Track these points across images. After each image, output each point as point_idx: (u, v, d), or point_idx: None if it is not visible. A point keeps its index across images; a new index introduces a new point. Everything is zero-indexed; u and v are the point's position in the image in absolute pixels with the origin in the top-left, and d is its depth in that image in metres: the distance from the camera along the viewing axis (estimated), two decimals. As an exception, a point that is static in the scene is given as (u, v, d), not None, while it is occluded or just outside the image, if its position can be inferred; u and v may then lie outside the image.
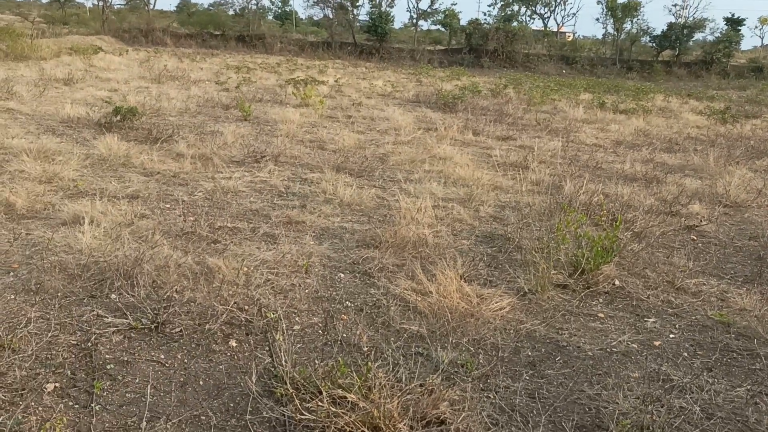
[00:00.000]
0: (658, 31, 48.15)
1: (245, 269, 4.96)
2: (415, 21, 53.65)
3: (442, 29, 55.36)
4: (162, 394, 3.40)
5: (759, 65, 44.34)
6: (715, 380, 3.85)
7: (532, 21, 53.86)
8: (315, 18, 58.30)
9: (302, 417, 3.04)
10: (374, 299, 4.74)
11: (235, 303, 4.36)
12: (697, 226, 7.09)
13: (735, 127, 15.63)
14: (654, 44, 48.42)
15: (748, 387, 3.77)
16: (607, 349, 4.20)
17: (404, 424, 3.01)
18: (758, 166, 10.64)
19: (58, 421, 2.96)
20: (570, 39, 55.15)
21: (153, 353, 3.78)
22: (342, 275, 5.15)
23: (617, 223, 5.54)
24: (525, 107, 17.79)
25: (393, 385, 3.34)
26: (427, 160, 9.67)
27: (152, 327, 4.02)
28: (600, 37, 56.24)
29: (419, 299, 4.65)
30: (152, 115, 12.12)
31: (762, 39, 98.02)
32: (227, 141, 10.09)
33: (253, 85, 20.27)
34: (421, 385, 3.38)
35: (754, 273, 5.74)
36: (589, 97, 21.34)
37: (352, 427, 2.94)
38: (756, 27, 58.60)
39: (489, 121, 14.30)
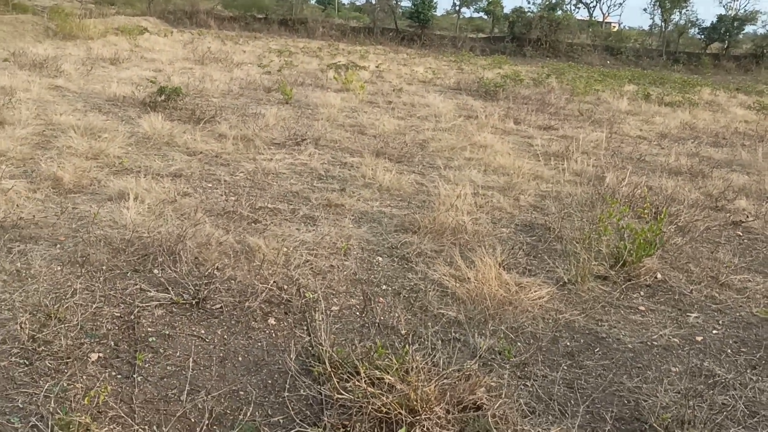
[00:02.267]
0: (707, 23, 46.99)
1: (285, 249, 5.00)
2: (457, 8, 53.24)
3: (485, 17, 54.81)
4: (202, 368, 3.46)
5: (812, 60, 42.95)
6: (759, 378, 3.76)
7: (577, 10, 52.97)
8: (357, 3, 58.26)
9: (339, 396, 3.06)
10: (412, 284, 4.73)
11: (274, 282, 4.40)
12: (743, 222, 6.92)
13: (786, 122, 15.20)
14: (702, 36, 47.24)
15: (796, 386, 3.68)
16: (648, 343, 4.13)
17: (441, 408, 3.01)
18: (811, 163, 10.34)
19: (103, 390, 3.03)
20: (615, 29, 54.09)
21: (194, 328, 3.84)
22: (380, 259, 5.16)
23: (661, 216, 5.44)
24: (567, 97, 17.52)
25: (430, 369, 3.34)
26: (468, 148, 9.61)
27: (193, 302, 4.08)
28: (646, 28, 55.08)
29: (457, 285, 4.64)
30: (195, 96, 12.26)
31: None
32: (269, 123, 10.16)
33: (295, 69, 20.35)
34: (458, 370, 3.37)
35: (803, 271, 5.59)
36: (633, 89, 20.93)
37: (388, 408, 2.95)
38: (810, 20, 56.58)
39: (530, 111, 14.13)
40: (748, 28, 47.18)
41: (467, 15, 56.16)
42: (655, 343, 4.14)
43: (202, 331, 3.82)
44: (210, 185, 6.73)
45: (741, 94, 23.42)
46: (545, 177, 8.30)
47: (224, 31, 41.74)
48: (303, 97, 13.86)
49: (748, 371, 3.83)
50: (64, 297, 4.01)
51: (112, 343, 3.60)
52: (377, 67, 23.02)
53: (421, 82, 19.79)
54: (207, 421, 2.99)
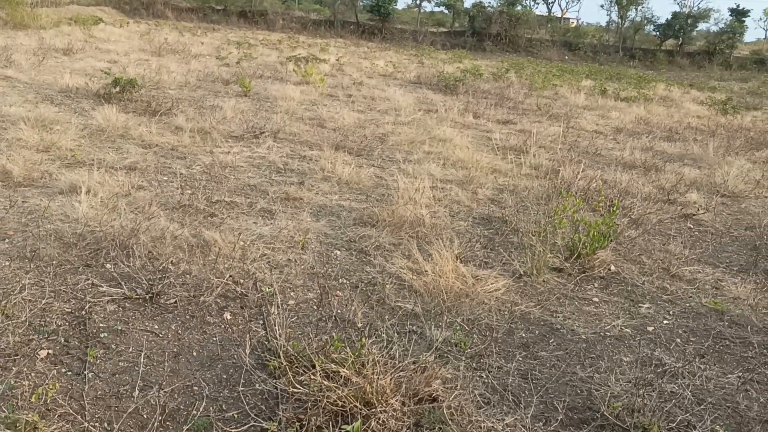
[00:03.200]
0: (662, 20, 47.92)
1: (241, 243, 4.95)
2: (418, 2, 53.33)
3: (446, 11, 55.01)
4: (155, 363, 3.40)
5: (762, 57, 44.16)
6: (707, 366, 3.86)
7: (536, 6, 53.45)
8: (318, -4, 57.81)
9: (295, 390, 3.05)
10: (370, 277, 4.73)
11: (230, 276, 4.36)
12: (694, 215, 7.09)
13: (735, 118, 15.59)
14: (657, 33, 48.19)
15: (740, 374, 3.78)
16: (601, 333, 4.21)
17: (396, 400, 3.02)
18: (757, 157, 10.63)
19: (51, 387, 2.96)
20: (573, 25, 54.84)
21: (147, 323, 3.78)
22: (338, 252, 5.15)
23: (614, 209, 5.54)
24: (526, 92, 17.71)
25: (386, 361, 3.35)
26: (427, 142, 9.64)
27: (147, 297, 4.02)
28: (604, 24, 55.94)
29: (415, 278, 4.65)
30: (151, 88, 12.05)
31: (766, 31, 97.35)
32: (226, 116, 10.04)
33: (254, 61, 20.14)
34: (414, 363, 3.38)
35: (749, 262, 5.75)
36: (590, 84, 21.24)
37: (344, 402, 2.94)
38: (761, 19, 58.34)
39: (490, 105, 14.25)
40: (702, 26, 48.27)
41: (428, 9, 56.14)
42: (608, 333, 4.22)
43: (156, 327, 3.76)
44: (165, 178, 6.62)
45: (694, 89, 23.97)
46: (503, 171, 8.37)
47: (182, 23, 41.07)
48: (262, 89, 13.73)
49: (697, 360, 3.93)
50: (11, 293, 3.90)
51: (63, 339, 3.52)
52: (338, 60, 22.92)
53: (381, 75, 19.78)
54: (159, 417, 2.95)
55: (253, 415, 3.02)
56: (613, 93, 18.58)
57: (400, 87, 16.61)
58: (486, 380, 3.50)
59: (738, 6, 46.76)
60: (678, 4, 66.53)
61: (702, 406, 3.37)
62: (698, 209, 7.28)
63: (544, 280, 4.97)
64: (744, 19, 46.17)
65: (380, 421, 2.91)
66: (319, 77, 15.26)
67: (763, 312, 4.67)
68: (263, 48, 26.49)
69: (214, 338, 3.71)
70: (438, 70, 20.85)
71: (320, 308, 4.16)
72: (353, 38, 43.05)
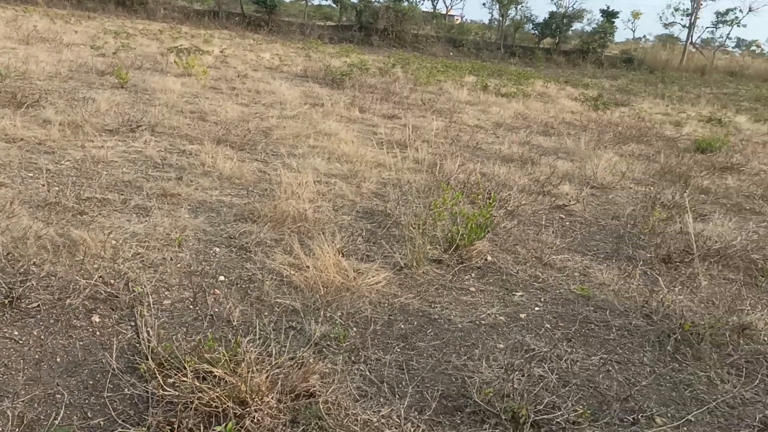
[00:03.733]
0: (540, 19, 50.01)
1: (113, 242, 4.73)
2: (305, -5, 52.91)
3: (333, 5, 54.90)
4: (13, 372, 3.19)
5: (630, 57, 47.04)
6: (573, 350, 4.07)
7: (421, 2, 54.42)
8: (202, -15, 56.11)
9: (165, 393, 2.94)
10: (249, 274, 4.65)
11: (99, 277, 4.15)
12: (566, 206, 7.45)
13: (605, 113, 16.53)
14: (536, 32, 50.25)
15: (602, 355, 4.02)
16: (476, 322, 4.34)
17: (272, 398, 2.98)
18: (624, 150, 11.32)
19: None
20: (458, 22, 56.23)
21: (5, 330, 3.54)
22: (217, 249, 5.03)
23: (491, 201, 5.73)
24: (412, 87, 18.00)
25: (263, 359, 3.31)
26: (312, 136, 9.59)
27: (6, 302, 3.76)
28: (486, 22, 57.72)
29: (295, 274, 4.62)
30: (17, 78, 11.29)
31: (633, 32, 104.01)
32: (101, 108, 9.57)
33: (133, 51, 19.30)
34: (291, 359, 3.36)
35: (614, 250, 6.11)
36: (473, 80, 21.87)
37: (217, 402, 2.88)
38: (629, 20, 62.13)
39: (376, 99, 14.36)
40: (576, 26, 50.77)
41: (315, 2, 56.04)
42: (483, 321, 4.36)
43: (16, 333, 3.53)
44: (31, 175, 6.22)
45: (569, 86, 25.19)
46: (387, 165, 8.46)
47: (54, 9, 38.70)
48: (140, 81, 13.18)
49: (564, 344, 4.13)
50: None
51: None
52: (222, 52, 22.37)
53: (267, 68, 19.49)
54: (16, 429, 2.77)
55: (120, 421, 2.89)
56: (494, 89, 19.22)
57: (286, 80, 16.43)
58: (364, 373, 3.52)
59: (608, 8, 49.50)
60: (555, 4, 69.54)
61: (567, 388, 3.55)
62: (570, 200, 7.66)
63: (424, 272, 5.07)
64: (614, 20, 48.92)
65: (255, 420, 2.87)
66: (201, 69, 14.84)
67: (624, 296, 4.98)
68: (143, 38, 25.42)
69: (81, 343, 3.52)
70: (325, 64, 20.79)
71: (196, 307, 4.05)
72: (239, 30, 42.12)
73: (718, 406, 3.62)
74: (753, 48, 68.41)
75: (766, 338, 4.39)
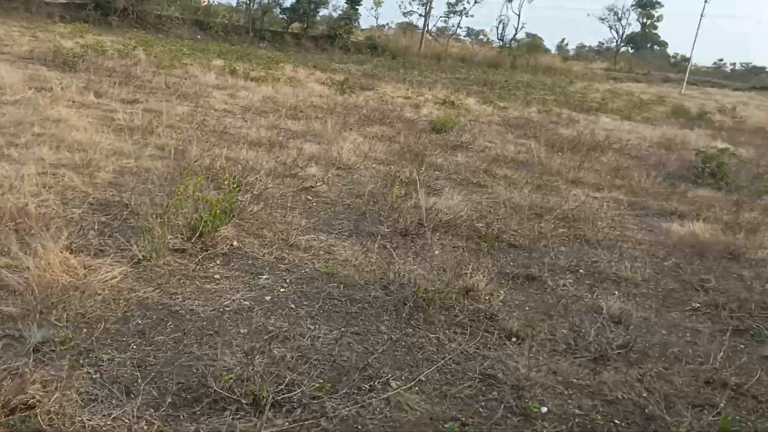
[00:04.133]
0: (288, 4, 50.33)
1: None
2: (30, -33, 47.58)
3: (64, -20, 50.08)
4: None
5: (374, 43, 49.31)
6: (316, 326, 4.18)
7: (165, -18, 51.77)
8: None
9: None
10: (-46, 280, 4.09)
11: None
12: (312, 187, 7.61)
13: (351, 97, 17.16)
14: (284, 16, 50.49)
15: (342, 329, 4.17)
16: (220, 309, 4.26)
17: (-21, 417, 2.65)
18: (367, 132, 11.83)
19: None
20: (204, 4, 54.52)
21: None
22: None
23: (235, 186, 5.66)
24: (155, 70, 17.10)
25: (-30, 376, 2.93)
26: (38, 123, 8.68)
27: None
28: (234, 4, 56.72)
29: (13, 276, 4.15)
30: None
31: (377, 19, 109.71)
32: None
33: None
34: (5, 370, 3.01)
35: (356, 227, 6.37)
36: (221, 64, 21.39)
37: None
38: (372, 8, 65.15)
39: (114, 83, 13.39)
40: (324, 11, 51.88)
41: (43, -24, 50.43)
42: (227, 308, 4.29)
43: None
44: None
45: (318, 71, 25.71)
46: (126, 152, 7.95)
47: None
48: None
49: (307, 321, 4.22)
50: None
51: None
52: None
53: (-17, 48, 17.25)
54: None
55: None
56: (243, 73, 18.98)
57: (7, 63, 14.67)
58: (94, 376, 3.28)
59: (352, -6, 51.22)
60: (302, -12, 70.52)
61: (308, 365, 3.63)
62: (316, 182, 7.83)
63: (165, 263, 4.86)
64: (357, 7, 50.80)
65: (-43, 445, 2.53)
66: None
67: (365, 271, 5.21)
68: None
69: None
70: (55, 45, 18.93)
71: None
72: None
73: (446, 363, 3.94)
74: (481, 37, 75.59)
75: (486, 297, 4.88)
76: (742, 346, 4.74)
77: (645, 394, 3.82)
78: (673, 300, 5.49)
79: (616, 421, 3.58)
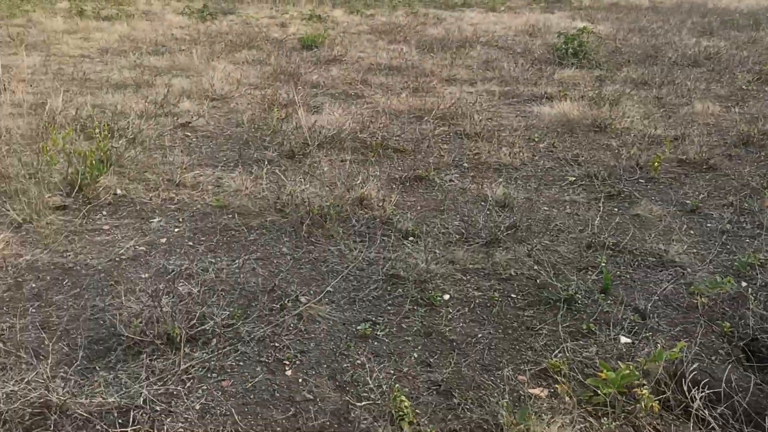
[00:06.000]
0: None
1: None
2: None
3: None
4: None
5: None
6: (218, 259, 4.20)
7: None
8: None
9: None
10: None
11: None
12: (189, 123, 7.40)
13: (213, 24, 16.46)
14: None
15: (245, 257, 4.22)
16: (116, 259, 4.19)
17: None
18: (236, 58, 11.48)
19: None
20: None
21: None
22: None
23: (107, 133, 5.45)
24: (-7, 21, 15.69)
25: None
26: None
27: None
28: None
29: None
30: None
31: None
32: None
33: None
34: None
35: (241, 156, 6.31)
36: (67, 5, 19.83)
37: None
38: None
39: (-52, 41, 12.26)
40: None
41: None
42: (123, 257, 4.23)
43: None
44: None
45: (174, 0, 24.34)
46: (-21, 115, 7.40)
47: None
48: None
49: (208, 256, 4.24)
50: None
51: None
52: None
53: None
54: None
55: None
56: (93, 13, 17.73)
57: None
58: (-6, 348, 3.20)
59: None
60: None
61: (216, 296, 3.68)
62: (192, 117, 7.61)
63: (48, 222, 4.68)
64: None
65: None
66: None
67: (258, 198, 5.22)
68: None
69: None
70: None
71: None
72: None
73: (351, 272, 4.10)
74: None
75: (379, 204, 5.03)
76: (616, 209, 5.17)
77: (535, 267, 4.14)
78: (551, 177, 5.86)
79: (512, 295, 3.87)
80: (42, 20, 16.29)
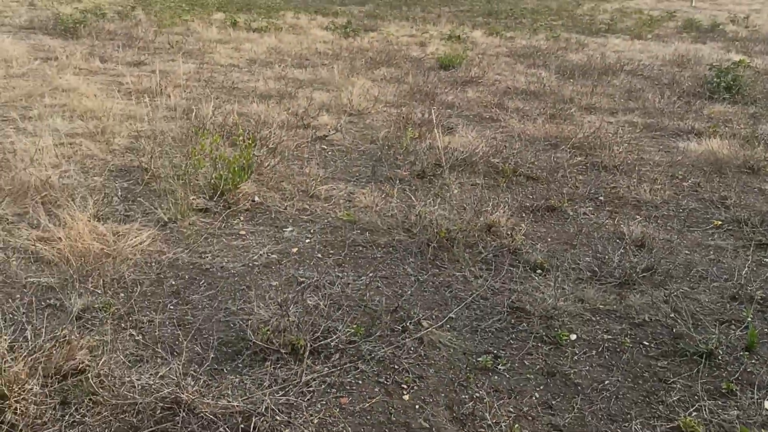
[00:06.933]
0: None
1: None
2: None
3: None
4: None
5: (374, -19, 48.21)
6: (344, 274, 4.27)
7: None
8: None
9: None
10: (-10, 258, 4.21)
11: None
12: (326, 136, 7.61)
13: (356, 40, 16.92)
14: (281, -39, 49.44)
15: (371, 274, 4.26)
16: (249, 264, 4.36)
17: (35, 383, 2.78)
18: (375, 75, 11.73)
19: None
20: (198, -44, 53.40)
21: None
22: (-52, 236, 4.47)
23: (251, 141, 5.70)
24: (156, 30, 16.93)
25: (20, 345, 3.06)
26: (48, 94, 8.72)
27: None
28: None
29: (46, 248, 4.26)
30: None
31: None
32: None
33: None
34: (52, 338, 3.14)
35: (373, 173, 6.40)
36: (222, 17, 21.11)
37: (-31, 404, 2.62)
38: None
39: (117, 47, 13.35)
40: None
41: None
42: (256, 263, 4.39)
43: None
44: None
45: (320, 16, 25.31)
46: (139, 116, 7.98)
47: None
48: None
49: (335, 270, 4.31)
50: None
51: None
52: None
53: (-17, 22, 17.15)
54: None
55: None
56: (245, 24, 18.74)
57: (9, 34, 14.61)
58: (137, 338, 3.41)
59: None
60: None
61: (340, 311, 3.73)
62: (329, 130, 7.83)
63: (190, 223, 4.95)
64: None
65: (18, 411, 2.67)
66: None
67: (387, 216, 5.27)
68: None
69: None
70: (54, 12, 18.77)
71: (-70, 305, 3.60)
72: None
73: (474, 300, 4.03)
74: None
75: (508, 232, 4.94)
76: (767, 260, 4.78)
77: (672, 315, 3.88)
78: (694, 219, 5.52)
79: (644, 342, 3.66)
80: (199, 30, 17.41)
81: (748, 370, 3.40)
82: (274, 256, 4.51)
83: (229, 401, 2.89)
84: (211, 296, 3.91)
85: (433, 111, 8.37)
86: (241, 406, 2.86)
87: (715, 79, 10.67)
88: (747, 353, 3.53)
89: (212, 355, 3.24)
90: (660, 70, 13.35)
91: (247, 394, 2.98)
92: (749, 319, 3.83)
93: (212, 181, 5.46)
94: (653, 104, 9.82)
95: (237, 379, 3.10)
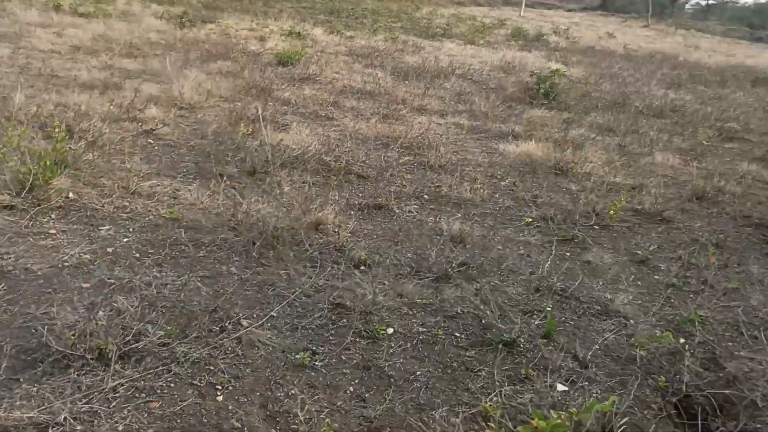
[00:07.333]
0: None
1: None
2: None
3: None
4: None
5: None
6: (163, 274, 4.13)
7: None
8: None
9: None
10: None
11: None
12: (154, 130, 7.31)
13: (192, 31, 16.37)
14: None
15: (190, 274, 4.16)
16: (59, 265, 4.10)
17: None
18: (211, 68, 11.42)
19: None
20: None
21: None
22: None
23: (62, 134, 5.36)
24: (-35, 8, 15.42)
25: None
26: None
27: None
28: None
29: None
30: None
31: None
32: None
33: None
34: None
35: (200, 169, 6.24)
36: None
37: None
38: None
39: None
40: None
41: None
42: (66, 264, 4.13)
43: None
44: None
45: (155, 3, 24.18)
46: (-63, 103, 7.23)
47: None
48: None
49: (154, 270, 4.16)
50: None
51: None
52: None
53: None
54: None
55: None
56: (70, 8, 17.53)
57: None
58: None
59: None
60: None
61: (155, 313, 3.61)
62: (157, 124, 7.53)
63: (-8, 222, 4.56)
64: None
65: None
66: None
67: (213, 214, 5.16)
68: None
69: None
70: None
71: None
72: None
73: (297, 297, 4.06)
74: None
75: (335, 230, 5.02)
76: (568, 254, 5.22)
77: (482, 306, 4.14)
78: (508, 217, 5.91)
79: (456, 334, 3.87)
80: (17, 12, 16.04)
81: (545, 356, 3.70)
82: (86, 256, 4.26)
83: (23, 413, 2.70)
84: (11, 300, 3.63)
85: (265, 107, 8.30)
86: (36, 417, 2.69)
87: (535, 86, 11.48)
88: (545, 341, 3.84)
89: (6, 364, 3.01)
90: (488, 75, 14.16)
91: (45, 404, 2.80)
92: (548, 309, 4.17)
93: (20, 176, 5.07)
94: (479, 107, 10.39)
95: (35, 389, 2.90)
